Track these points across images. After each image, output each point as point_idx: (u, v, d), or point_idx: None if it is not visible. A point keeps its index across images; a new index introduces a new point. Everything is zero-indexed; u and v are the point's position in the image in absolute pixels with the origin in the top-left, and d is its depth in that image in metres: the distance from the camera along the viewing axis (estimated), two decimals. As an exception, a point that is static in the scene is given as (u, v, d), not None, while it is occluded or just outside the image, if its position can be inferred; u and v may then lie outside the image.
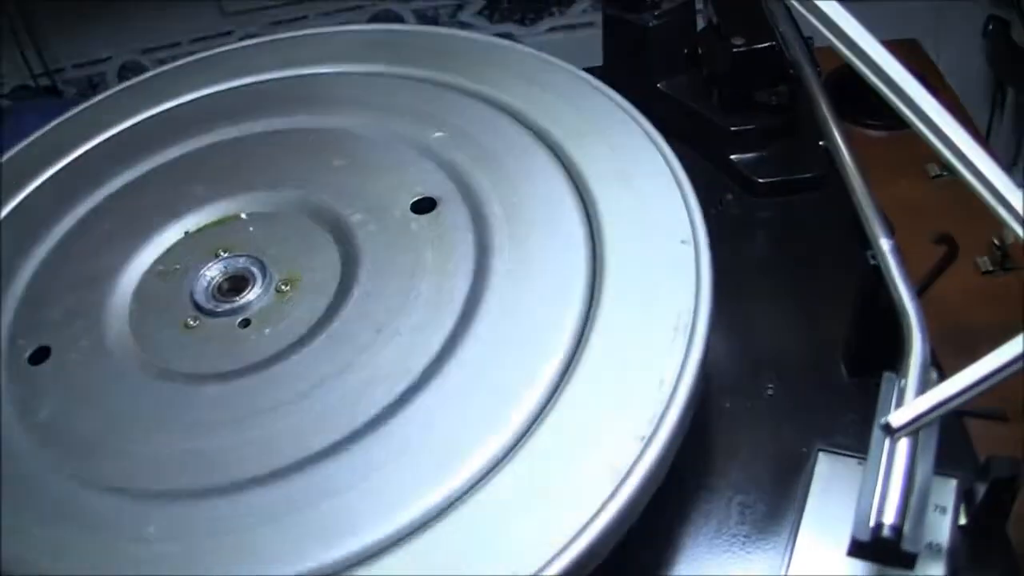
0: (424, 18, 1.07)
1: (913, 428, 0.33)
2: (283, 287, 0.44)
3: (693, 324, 0.39)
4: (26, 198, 0.52)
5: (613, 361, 0.39)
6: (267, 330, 0.42)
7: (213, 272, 0.45)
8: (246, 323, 0.43)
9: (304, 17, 1.07)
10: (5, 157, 0.54)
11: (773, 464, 0.45)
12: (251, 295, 0.44)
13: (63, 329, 0.44)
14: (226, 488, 0.37)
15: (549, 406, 0.37)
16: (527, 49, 0.54)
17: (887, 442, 0.33)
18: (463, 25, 1.07)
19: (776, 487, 0.44)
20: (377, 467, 0.36)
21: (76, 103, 0.89)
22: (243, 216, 0.47)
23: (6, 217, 0.51)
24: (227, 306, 0.43)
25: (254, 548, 0.35)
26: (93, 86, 1.10)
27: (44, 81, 1.07)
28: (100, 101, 0.57)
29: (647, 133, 0.48)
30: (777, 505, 0.44)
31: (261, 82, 0.55)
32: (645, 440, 0.36)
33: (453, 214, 0.45)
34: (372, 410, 0.38)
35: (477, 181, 0.46)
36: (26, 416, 0.41)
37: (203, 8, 1.06)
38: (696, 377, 0.38)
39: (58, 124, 0.56)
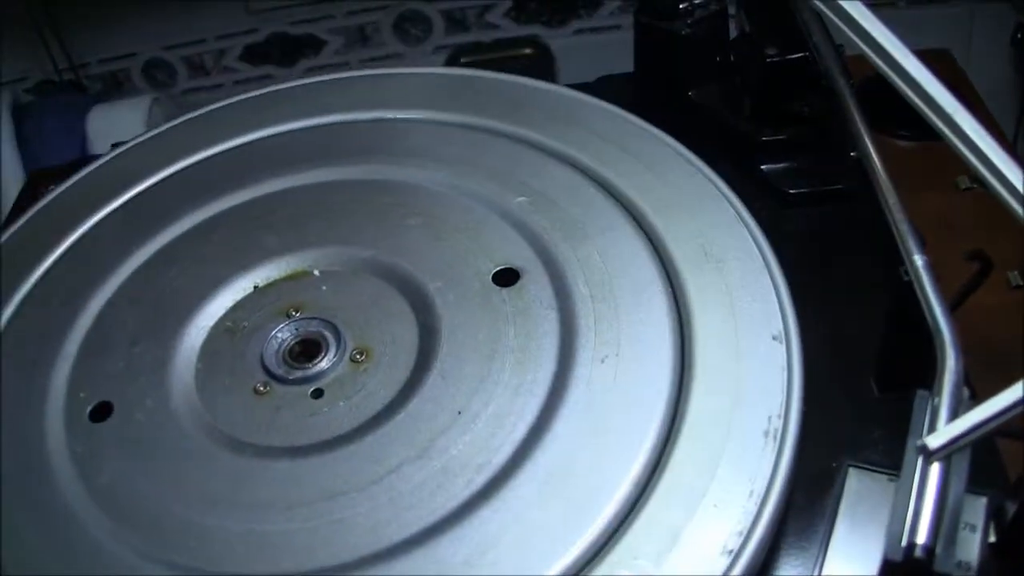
0: (451, 19, 1.05)
1: (950, 451, 0.33)
2: (358, 356, 0.42)
3: (784, 429, 0.38)
4: (87, 233, 0.50)
5: (701, 464, 0.37)
6: (341, 403, 0.41)
7: (284, 334, 0.43)
8: (319, 393, 0.41)
9: (331, 16, 1.05)
10: (65, 185, 0.53)
11: (802, 479, 0.43)
12: (324, 363, 0.42)
13: (126, 385, 0.42)
14: (295, 579, 0.35)
15: (635, 512, 0.36)
16: (614, 109, 0.52)
17: (920, 462, 0.33)
18: (489, 26, 1.06)
19: (805, 502, 0.43)
20: (453, 568, 0.35)
21: (98, 100, 0.88)
22: (316, 273, 0.46)
23: (66, 252, 0.49)
24: (299, 373, 0.42)
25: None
26: (118, 83, 1.09)
27: (68, 76, 1.06)
28: (166, 130, 0.55)
29: (736, 210, 0.46)
30: (806, 521, 0.42)
31: (334, 123, 0.54)
32: (732, 554, 0.34)
33: (536, 289, 0.43)
34: (451, 503, 0.36)
35: (562, 254, 0.44)
36: (86, 476, 0.40)
37: (228, 6, 1.05)
38: (785, 489, 0.36)
39: (123, 152, 0.54)
